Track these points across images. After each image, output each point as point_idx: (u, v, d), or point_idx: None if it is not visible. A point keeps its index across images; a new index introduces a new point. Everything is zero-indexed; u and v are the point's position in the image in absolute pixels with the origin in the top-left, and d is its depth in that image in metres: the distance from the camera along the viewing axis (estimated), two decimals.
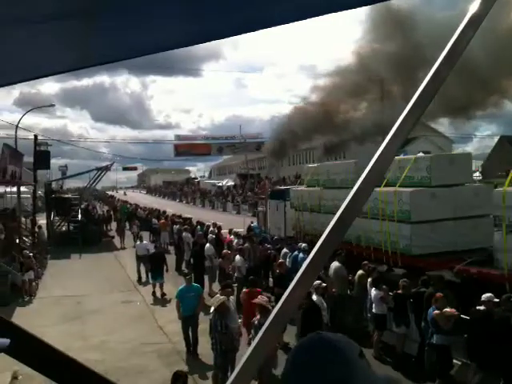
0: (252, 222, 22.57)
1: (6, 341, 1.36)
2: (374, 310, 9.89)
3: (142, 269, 17.29)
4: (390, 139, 0.99)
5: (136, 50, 1.07)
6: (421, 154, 14.95)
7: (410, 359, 9.16)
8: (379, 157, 0.99)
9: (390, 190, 11.68)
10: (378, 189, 11.43)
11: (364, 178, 0.99)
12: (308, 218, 16.25)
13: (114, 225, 34.44)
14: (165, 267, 15.55)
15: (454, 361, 8.56)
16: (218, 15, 0.92)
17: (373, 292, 9.88)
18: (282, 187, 24.30)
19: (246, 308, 9.62)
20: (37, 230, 23.74)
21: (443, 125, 38.79)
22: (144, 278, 17.13)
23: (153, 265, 15.52)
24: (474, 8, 0.99)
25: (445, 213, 11.24)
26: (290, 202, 18.05)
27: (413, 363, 8.99)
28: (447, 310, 7.98)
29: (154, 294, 14.92)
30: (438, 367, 8.17)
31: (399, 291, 9.49)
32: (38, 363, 1.34)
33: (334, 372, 0.96)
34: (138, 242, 18.57)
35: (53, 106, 37.16)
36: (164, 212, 30.93)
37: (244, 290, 10.61)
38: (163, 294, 14.75)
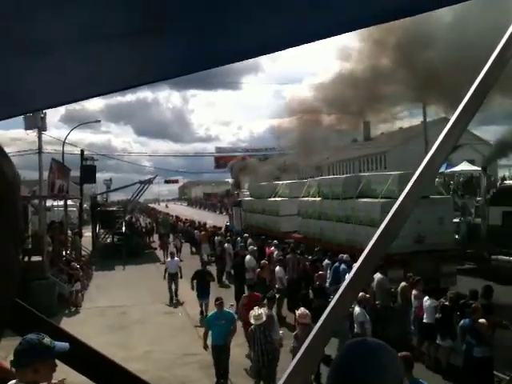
0: (227, 222, 33.70)
1: (66, 345, 1.41)
2: (425, 320, 9.68)
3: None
4: (437, 149, 0.97)
5: (194, 65, 1.10)
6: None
7: (457, 372, 8.89)
8: (425, 167, 0.97)
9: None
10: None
11: (409, 189, 0.97)
12: (251, 217, 27.45)
13: (155, 237, 35.10)
14: (211, 285, 14.44)
15: (501, 375, 8.27)
16: (260, 31, 0.94)
17: (426, 301, 9.67)
18: (240, 199, 34.61)
19: (244, 312, 9.92)
20: (71, 237, 23.87)
21: (488, 131, 37.82)
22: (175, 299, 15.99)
23: (198, 283, 14.25)
24: None
25: None
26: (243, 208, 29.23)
27: (460, 376, 8.71)
28: (484, 320, 7.77)
29: (202, 313, 13.90)
30: (484, 381, 7.89)
31: (446, 303, 9.26)
32: (91, 371, 1.38)
33: (372, 373, 1.01)
34: (169, 259, 17.24)
35: (98, 121, 38.23)
36: (204, 224, 31.25)
37: (244, 294, 11.46)
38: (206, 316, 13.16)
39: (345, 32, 0.95)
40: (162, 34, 0.91)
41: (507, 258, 14.98)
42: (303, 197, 20.74)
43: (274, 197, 24.60)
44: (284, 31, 0.91)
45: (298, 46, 0.97)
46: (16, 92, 1.20)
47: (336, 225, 17.27)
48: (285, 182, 27.41)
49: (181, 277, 16.00)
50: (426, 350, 9.86)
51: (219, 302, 9.38)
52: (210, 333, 9.28)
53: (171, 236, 31.33)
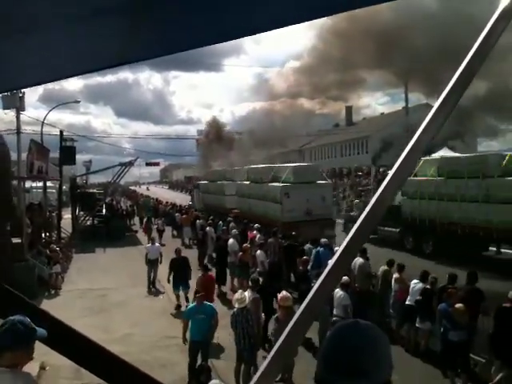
0: (189, 201, 39.86)
1: (43, 332, 1.40)
2: (408, 302, 9.87)
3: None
4: (419, 136, 0.98)
5: (176, 46, 1.08)
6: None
7: (435, 355, 9.10)
8: (409, 151, 0.98)
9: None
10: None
11: (394, 172, 0.98)
12: (207, 197, 33.72)
13: (136, 219, 34.91)
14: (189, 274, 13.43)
15: (477, 358, 8.47)
16: (241, 13, 0.93)
17: (416, 284, 9.83)
18: (199, 182, 40.99)
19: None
20: (50, 219, 23.57)
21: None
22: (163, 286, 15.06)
23: (175, 272, 13.30)
24: (505, 1, 0.97)
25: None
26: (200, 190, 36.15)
27: (437, 360, 8.92)
28: (460, 305, 7.92)
29: (178, 307, 12.85)
30: (459, 364, 8.05)
31: (428, 286, 9.43)
32: (72, 353, 1.37)
33: (368, 355, 1.03)
34: (149, 244, 16.26)
35: (78, 102, 37.52)
36: (186, 207, 31.14)
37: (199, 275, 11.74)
38: (187, 298, 13.03)
39: (332, 14, 0.94)
40: (148, 12, 0.89)
41: (387, 228, 20.45)
42: (242, 181, 26.99)
43: (221, 181, 31.77)
44: (271, 12, 0.90)
45: (285, 26, 0.96)
46: None
47: (257, 202, 23.55)
48: (235, 168, 32.62)
49: (160, 262, 15.56)
50: (406, 334, 10.06)
51: (200, 295, 8.86)
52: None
53: (153, 219, 31.29)
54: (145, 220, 30.19)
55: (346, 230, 22.54)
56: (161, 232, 25.93)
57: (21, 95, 21.26)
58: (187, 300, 12.89)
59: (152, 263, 15.44)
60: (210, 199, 33.00)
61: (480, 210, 16.53)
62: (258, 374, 1.03)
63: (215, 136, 59.44)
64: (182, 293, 13.34)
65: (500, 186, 16.02)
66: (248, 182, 25.74)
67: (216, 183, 32.55)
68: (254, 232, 17.82)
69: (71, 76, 1.35)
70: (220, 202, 30.31)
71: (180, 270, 13.19)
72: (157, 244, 16.63)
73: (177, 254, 13.69)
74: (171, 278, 13.37)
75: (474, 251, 16.70)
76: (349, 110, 61.64)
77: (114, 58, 1.16)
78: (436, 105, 0.99)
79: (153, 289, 15.36)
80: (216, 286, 14.48)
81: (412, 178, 19.34)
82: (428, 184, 19.24)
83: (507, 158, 16.83)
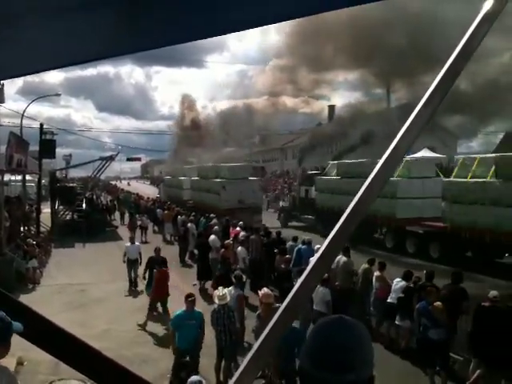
0: (158, 194, 45.46)
1: (20, 326, 1.38)
2: (389, 300, 9.97)
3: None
4: (403, 135, 0.99)
5: (163, 40, 1.07)
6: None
7: (414, 353, 9.22)
8: (391, 152, 0.99)
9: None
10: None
11: (377, 172, 0.99)
12: (169, 191, 40.39)
13: (117, 214, 34.62)
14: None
15: (456, 356, 8.59)
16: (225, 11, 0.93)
17: (399, 282, 9.92)
18: (164, 177, 49.46)
19: (157, 285, 11.64)
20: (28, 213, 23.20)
21: (449, 120, 38.70)
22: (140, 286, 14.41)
23: (150, 271, 12.75)
24: (489, 3, 0.98)
25: None
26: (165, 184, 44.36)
27: (416, 358, 9.05)
28: (439, 303, 8.00)
29: (151, 309, 11.86)
30: (438, 362, 8.14)
31: (411, 285, 9.56)
32: (51, 347, 1.36)
33: (355, 352, 1.04)
34: (128, 244, 15.36)
35: (59, 95, 37.12)
36: (168, 203, 31.01)
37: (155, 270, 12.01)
38: (165, 309, 11.89)
39: (326, 11, 0.94)
40: (134, 5, 0.89)
41: (306, 216, 27.91)
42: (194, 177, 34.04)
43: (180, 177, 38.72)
44: (266, 7, 0.90)
45: (277, 22, 0.96)
46: None
47: (205, 194, 30.16)
48: (188, 167, 40.18)
49: (140, 263, 14.65)
50: (386, 331, 10.17)
51: (191, 300, 8.12)
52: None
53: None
54: (127, 215, 30.02)
55: (282, 217, 30.64)
56: (145, 229, 25.67)
57: (0, 87, 20.87)
58: (165, 309, 11.83)
59: (132, 263, 14.75)
60: (172, 192, 39.77)
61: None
62: (240, 370, 1.04)
63: (190, 121, 58.99)
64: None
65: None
66: (198, 178, 32.73)
67: (176, 178, 39.66)
68: (237, 229, 17.83)
69: (52, 69, 1.33)
70: (179, 195, 36.51)
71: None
72: (136, 243, 15.75)
73: (156, 253, 13.00)
74: (147, 276, 13.18)
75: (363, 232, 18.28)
76: (331, 108, 61.91)
77: (97, 52, 1.15)
78: (419, 106, 1.00)
79: (134, 289, 14.75)
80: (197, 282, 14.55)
81: (322, 177, 27.49)
82: (332, 182, 25.00)
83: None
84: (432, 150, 40.70)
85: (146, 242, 22.84)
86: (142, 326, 11.22)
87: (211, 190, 28.71)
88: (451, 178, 18.51)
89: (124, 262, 14.91)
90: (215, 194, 27.85)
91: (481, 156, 17.93)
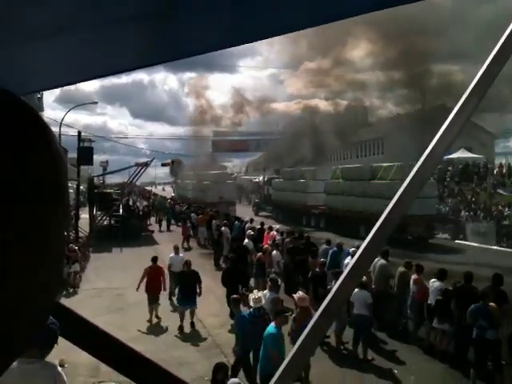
0: (173, 193, 57.33)
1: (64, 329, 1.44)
2: (429, 302, 9.88)
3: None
4: (440, 137, 0.98)
5: (198, 48, 1.10)
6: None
7: (454, 356, 9.03)
8: (428, 155, 0.98)
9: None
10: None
11: (412, 177, 0.98)
12: (183, 191, 51.18)
13: (153, 219, 35.15)
14: (198, 290, 11.78)
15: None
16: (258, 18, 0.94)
17: (434, 283, 9.87)
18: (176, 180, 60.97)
19: (149, 281, 12.26)
20: None
21: (485, 120, 37.83)
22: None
23: (181, 286, 11.95)
24: None
25: None
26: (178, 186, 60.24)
27: (475, 359, 8.86)
28: (494, 304, 8.01)
29: (181, 328, 11.33)
30: (494, 363, 8.08)
31: (449, 287, 9.46)
32: (91, 347, 1.40)
33: None
34: (173, 254, 14.23)
35: (95, 103, 37.97)
36: (202, 207, 31.31)
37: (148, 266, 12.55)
38: (192, 324, 11.50)
39: (357, 14, 0.94)
40: (168, 17, 0.91)
41: (268, 207, 41.81)
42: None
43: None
44: (296, 13, 0.91)
45: (307, 28, 0.97)
46: (15, 73, 1.20)
47: (197, 192, 42.10)
48: (188, 173, 51.25)
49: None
50: (426, 335, 10.01)
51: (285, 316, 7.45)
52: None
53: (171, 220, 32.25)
54: (164, 222, 30.53)
55: (254, 208, 44.61)
56: (188, 237, 25.56)
57: (39, 96, 21.52)
58: (192, 324, 11.48)
59: (176, 276, 13.16)
60: (185, 192, 49.14)
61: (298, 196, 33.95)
62: (277, 374, 1.05)
63: (240, 110, 61.43)
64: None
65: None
66: (193, 181, 45.41)
67: (184, 182, 51.82)
68: (273, 232, 17.87)
69: (89, 79, 1.38)
70: (183, 193, 49.30)
71: (188, 285, 11.68)
72: (181, 254, 14.61)
73: (186, 267, 12.20)
74: (176, 292, 12.46)
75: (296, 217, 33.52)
76: (364, 110, 61.21)
77: (130, 63, 1.18)
78: (455, 109, 0.99)
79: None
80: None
81: (275, 179, 41.52)
82: (280, 183, 38.96)
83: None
84: (469, 150, 39.73)
85: (188, 249, 23.43)
86: (150, 321, 12.07)
87: (201, 189, 41.26)
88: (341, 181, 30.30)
89: (170, 276, 13.57)
90: (203, 192, 40.32)
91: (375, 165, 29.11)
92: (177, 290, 12.45)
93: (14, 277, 0.42)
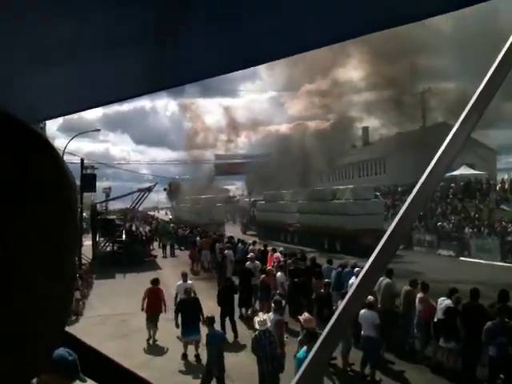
0: (170, 215, 65.40)
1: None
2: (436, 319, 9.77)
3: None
4: (441, 154, 0.98)
5: (201, 73, 1.11)
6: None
7: (462, 375, 8.89)
8: (431, 171, 0.98)
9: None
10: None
11: (417, 192, 0.98)
12: (179, 214, 56.95)
13: (156, 244, 35.03)
14: (201, 318, 10.86)
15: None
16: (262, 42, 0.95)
17: (443, 301, 9.71)
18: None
19: (149, 302, 12.63)
20: None
21: (487, 136, 37.97)
22: None
23: (183, 315, 11.11)
24: None
25: None
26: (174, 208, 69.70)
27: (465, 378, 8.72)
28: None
29: (184, 356, 11.05)
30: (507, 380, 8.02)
31: (451, 305, 9.32)
32: (102, 378, 1.38)
33: None
34: (180, 282, 13.16)
35: (98, 130, 38.39)
36: (205, 231, 31.23)
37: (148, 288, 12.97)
38: (197, 356, 10.89)
39: (363, 34, 0.95)
40: (175, 42, 0.92)
41: (253, 227, 47.34)
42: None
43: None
44: (299, 36, 0.92)
45: (315, 49, 0.98)
46: (19, 103, 1.20)
47: (190, 214, 48.10)
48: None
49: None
50: (432, 354, 9.88)
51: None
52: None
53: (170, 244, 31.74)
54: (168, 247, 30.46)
55: (242, 228, 50.22)
56: (197, 261, 25.19)
57: (42, 126, 21.67)
58: (197, 356, 10.87)
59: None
60: (182, 215, 52.88)
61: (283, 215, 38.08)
62: None
63: (232, 128, 62.16)
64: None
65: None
66: (188, 205, 50.97)
67: (179, 205, 59.57)
68: (277, 254, 17.82)
69: (95, 107, 1.39)
70: (180, 216, 53.25)
71: (189, 314, 10.98)
72: (189, 281, 13.53)
73: (186, 295, 11.56)
74: (179, 322, 11.34)
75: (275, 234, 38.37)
76: (365, 130, 61.58)
77: (138, 88, 1.19)
78: (455, 126, 0.99)
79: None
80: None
81: (258, 202, 45.88)
82: (262, 205, 43.90)
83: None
84: (471, 166, 39.78)
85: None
86: (148, 339, 12.51)
87: (194, 211, 45.87)
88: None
89: (175, 305, 12.20)
90: (196, 214, 44.63)
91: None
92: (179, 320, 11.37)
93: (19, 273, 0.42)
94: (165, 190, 71.11)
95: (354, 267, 13.47)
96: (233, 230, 41.30)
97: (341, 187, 33.35)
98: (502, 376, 8.11)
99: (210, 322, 9.60)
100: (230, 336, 12.01)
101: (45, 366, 0.47)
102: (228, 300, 12.77)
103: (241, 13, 0.82)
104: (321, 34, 0.94)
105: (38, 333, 0.44)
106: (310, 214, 33.42)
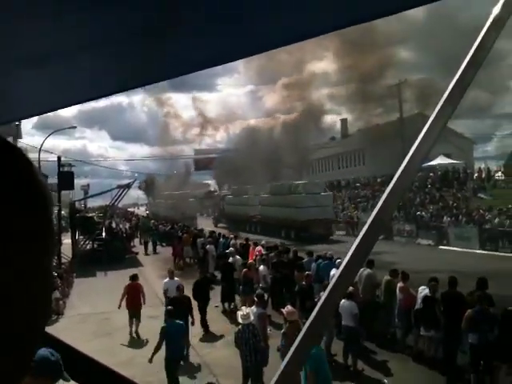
0: (147, 211, 68.04)
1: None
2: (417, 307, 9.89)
3: None
4: (418, 145, 0.99)
5: (182, 68, 1.10)
6: None
7: (443, 362, 9.05)
8: (407, 163, 0.99)
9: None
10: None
11: (395, 182, 0.99)
12: (157, 208, 57.30)
13: (137, 241, 34.81)
14: (190, 318, 11.13)
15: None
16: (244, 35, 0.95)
17: (424, 291, 9.79)
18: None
19: (129, 298, 12.83)
20: None
21: (464, 125, 38.61)
22: None
23: (173, 314, 9.84)
24: (496, 9, 0.99)
25: None
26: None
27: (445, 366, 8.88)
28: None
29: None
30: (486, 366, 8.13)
31: (428, 294, 9.43)
32: (84, 377, 1.37)
33: None
34: (167, 279, 13.27)
35: (74, 127, 37.54)
36: (187, 226, 31.09)
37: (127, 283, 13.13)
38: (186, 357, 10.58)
39: (344, 27, 0.95)
40: (162, 36, 0.91)
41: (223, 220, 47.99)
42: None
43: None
44: (285, 28, 0.91)
45: (299, 41, 0.97)
46: None
47: (170, 210, 46.76)
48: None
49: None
50: (414, 342, 10.03)
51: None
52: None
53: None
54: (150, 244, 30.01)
55: (214, 221, 50.43)
56: (181, 256, 24.92)
57: (17, 124, 21.32)
58: (185, 356, 10.36)
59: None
60: (155, 210, 56.35)
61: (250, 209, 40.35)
62: None
63: (209, 123, 63.67)
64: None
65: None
66: (162, 200, 53.59)
67: (155, 201, 61.67)
68: (259, 248, 17.86)
69: (72, 104, 1.37)
70: (156, 211, 54.67)
71: (179, 313, 10.25)
72: (176, 278, 13.39)
73: (179, 293, 11.44)
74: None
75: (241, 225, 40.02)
76: (344, 122, 61.99)
77: (115, 86, 1.18)
78: (432, 116, 1.00)
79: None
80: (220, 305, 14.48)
81: (227, 196, 47.98)
82: (230, 199, 45.92)
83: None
84: (448, 156, 40.33)
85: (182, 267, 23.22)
86: (130, 333, 12.74)
87: (169, 207, 47.46)
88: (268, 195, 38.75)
89: (163, 303, 12.85)
90: (170, 210, 46.57)
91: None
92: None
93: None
94: (139, 187, 71.02)
95: (330, 258, 13.62)
96: (206, 223, 43.31)
97: (296, 182, 36.06)
98: (481, 362, 8.25)
99: (168, 314, 9.61)
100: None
101: (29, 368, 0.46)
102: (203, 292, 12.91)
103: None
104: (312, 25, 0.93)
105: (19, 334, 0.43)
106: (270, 207, 36.70)
